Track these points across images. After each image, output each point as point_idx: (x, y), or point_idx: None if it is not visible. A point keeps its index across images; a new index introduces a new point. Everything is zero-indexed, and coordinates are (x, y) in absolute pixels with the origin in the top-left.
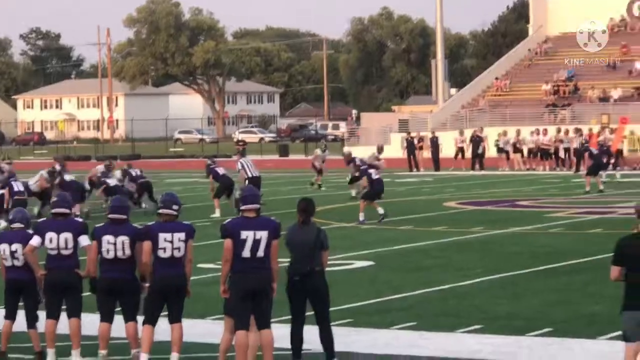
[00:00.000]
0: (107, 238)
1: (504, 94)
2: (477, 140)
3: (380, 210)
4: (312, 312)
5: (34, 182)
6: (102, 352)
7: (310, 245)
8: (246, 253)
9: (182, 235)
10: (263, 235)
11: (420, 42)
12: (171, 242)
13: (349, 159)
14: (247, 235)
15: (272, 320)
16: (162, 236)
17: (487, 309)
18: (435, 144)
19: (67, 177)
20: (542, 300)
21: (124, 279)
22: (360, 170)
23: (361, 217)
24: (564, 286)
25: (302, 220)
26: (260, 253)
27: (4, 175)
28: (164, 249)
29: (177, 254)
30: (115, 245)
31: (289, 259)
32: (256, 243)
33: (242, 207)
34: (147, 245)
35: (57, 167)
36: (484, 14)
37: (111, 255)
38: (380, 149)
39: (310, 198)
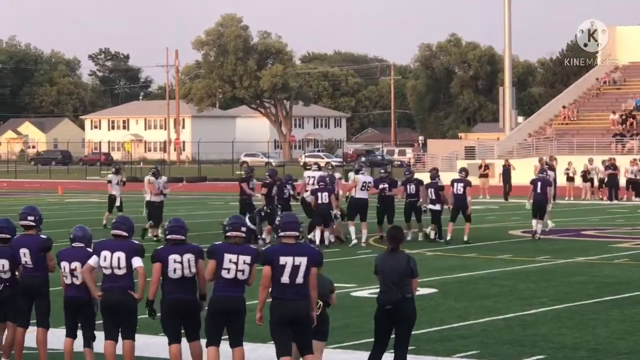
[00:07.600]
0: (174, 257)
1: (571, 123)
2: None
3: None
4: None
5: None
6: None
7: (400, 273)
8: (285, 279)
9: (247, 259)
10: (302, 261)
11: (488, 69)
12: (236, 263)
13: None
14: (286, 261)
15: (333, 346)
16: (228, 257)
17: (551, 339)
18: (507, 172)
19: None
20: (607, 331)
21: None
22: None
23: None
24: (629, 317)
25: (391, 247)
26: (300, 280)
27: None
28: (228, 269)
29: (240, 276)
30: (182, 265)
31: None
32: (295, 269)
33: (281, 234)
34: (211, 264)
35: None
36: (552, 42)
37: (178, 274)
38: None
39: (399, 226)
